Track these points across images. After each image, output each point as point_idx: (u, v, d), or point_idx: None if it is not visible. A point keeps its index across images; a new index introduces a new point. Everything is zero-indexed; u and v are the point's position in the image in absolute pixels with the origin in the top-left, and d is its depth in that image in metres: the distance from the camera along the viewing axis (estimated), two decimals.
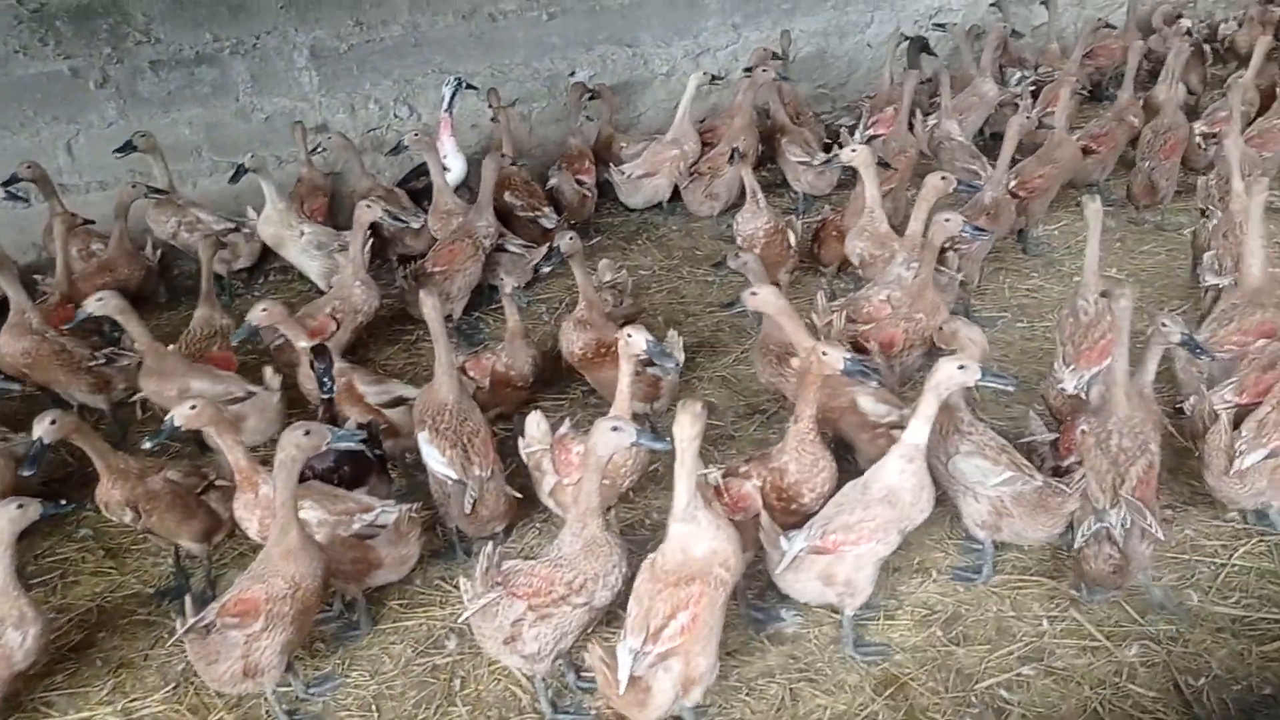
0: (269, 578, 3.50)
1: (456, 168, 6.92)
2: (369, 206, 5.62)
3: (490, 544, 3.61)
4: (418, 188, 6.95)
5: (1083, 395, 4.49)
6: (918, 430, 3.62)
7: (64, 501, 3.81)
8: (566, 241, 5.07)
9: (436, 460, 4.20)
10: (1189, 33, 8.53)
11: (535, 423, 4.27)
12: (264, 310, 4.70)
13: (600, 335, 4.91)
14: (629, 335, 3.96)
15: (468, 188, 6.99)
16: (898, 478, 3.61)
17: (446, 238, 6.16)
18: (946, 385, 3.65)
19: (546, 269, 5.34)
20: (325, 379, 4.31)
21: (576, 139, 7.21)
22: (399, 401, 4.74)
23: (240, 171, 6.09)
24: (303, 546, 3.52)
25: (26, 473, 3.98)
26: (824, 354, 3.78)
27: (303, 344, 4.66)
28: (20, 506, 3.57)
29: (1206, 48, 8.64)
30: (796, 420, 3.79)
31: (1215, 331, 4.74)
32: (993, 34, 7.90)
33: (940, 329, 4.37)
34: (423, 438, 4.27)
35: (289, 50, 6.97)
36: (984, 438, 3.96)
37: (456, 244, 6.05)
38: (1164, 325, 4.02)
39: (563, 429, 4.25)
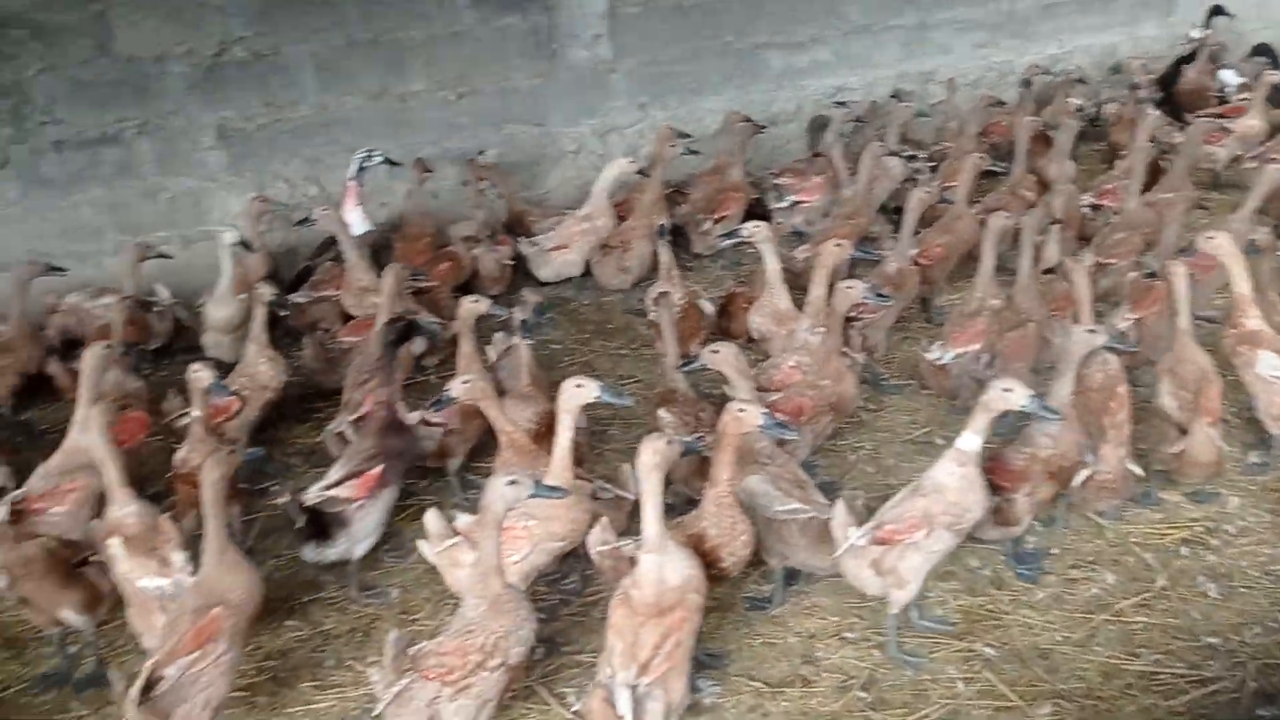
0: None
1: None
2: (263, 287, 5.58)
3: (395, 631, 3.52)
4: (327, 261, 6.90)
5: None
6: (969, 439, 3.89)
7: None
8: (531, 314, 5.24)
9: None
10: (1080, 110, 8.94)
11: (434, 519, 4.11)
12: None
13: (548, 407, 4.88)
14: (578, 384, 3.96)
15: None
16: (944, 476, 3.84)
17: (363, 316, 6.13)
18: (996, 404, 3.87)
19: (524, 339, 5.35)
20: None
21: (484, 212, 7.26)
22: None
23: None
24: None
25: None
26: (740, 411, 3.81)
27: None
28: None
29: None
30: (713, 484, 3.81)
31: None
32: (899, 113, 8.19)
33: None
34: None
35: (195, 131, 6.92)
36: (780, 469, 4.23)
37: (370, 322, 6.03)
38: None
39: (462, 520, 4.17)
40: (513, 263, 7.18)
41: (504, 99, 7.86)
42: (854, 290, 4.94)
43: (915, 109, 8.50)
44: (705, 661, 4.03)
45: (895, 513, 3.89)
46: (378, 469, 4.45)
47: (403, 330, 5.04)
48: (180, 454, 4.69)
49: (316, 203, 7.04)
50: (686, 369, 4.85)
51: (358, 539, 4.42)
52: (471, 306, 5.19)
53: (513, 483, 3.36)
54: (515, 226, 7.43)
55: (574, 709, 3.56)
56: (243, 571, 3.72)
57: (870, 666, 4.02)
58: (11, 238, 6.54)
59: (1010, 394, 3.87)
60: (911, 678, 3.96)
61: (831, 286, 5.15)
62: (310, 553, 4.43)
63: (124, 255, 6.20)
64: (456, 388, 4.46)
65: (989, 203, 7.28)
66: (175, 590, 3.87)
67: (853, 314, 5.35)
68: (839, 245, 5.40)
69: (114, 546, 3.91)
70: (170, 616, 3.63)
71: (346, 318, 6.39)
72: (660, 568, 3.44)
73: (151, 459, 5.16)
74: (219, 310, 6.01)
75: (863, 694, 3.90)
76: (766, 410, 3.86)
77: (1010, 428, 4.64)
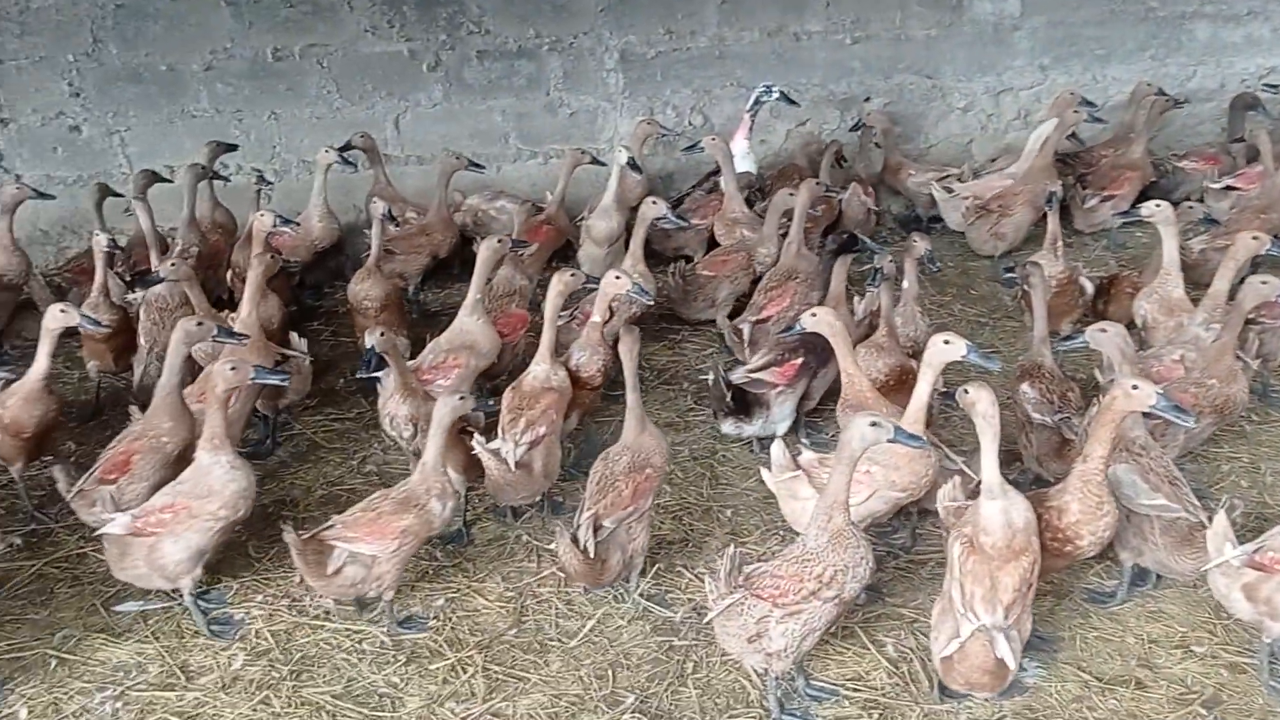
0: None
1: (746, 170, 7.03)
2: (654, 204, 5.83)
3: (732, 547, 3.68)
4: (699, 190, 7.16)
5: None
6: None
7: (491, 402, 4.44)
8: (888, 264, 5.17)
9: None
10: None
11: (778, 450, 4.27)
12: None
13: (901, 361, 4.93)
14: (947, 340, 3.99)
15: (760, 191, 7.12)
16: None
17: (727, 246, 6.32)
18: None
19: (873, 289, 5.40)
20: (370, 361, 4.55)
21: (862, 164, 7.23)
22: None
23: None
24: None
25: (362, 373, 4.59)
26: (1134, 388, 3.63)
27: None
28: (462, 398, 4.05)
29: None
30: (1085, 459, 3.67)
31: None
32: None
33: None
34: None
35: (601, 52, 7.33)
36: (1152, 462, 3.95)
37: (733, 255, 6.21)
38: None
39: (805, 455, 4.28)
40: (877, 212, 7.15)
41: (898, 47, 7.72)
42: (1268, 287, 4.52)
43: None
44: (1034, 643, 3.91)
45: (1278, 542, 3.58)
46: (799, 360, 4.95)
47: (845, 242, 5.33)
48: (577, 358, 4.99)
49: (701, 133, 7.28)
50: (1066, 347, 4.64)
51: (775, 421, 4.98)
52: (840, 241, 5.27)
53: (875, 424, 3.39)
54: (889, 177, 7.35)
55: (943, 654, 3.56)
56: (660, 440, 4.23)
57: (1216, 685, 3.75)
58: (431, 134, 7.27)
59: None
60: (1262, 708, 3.66)
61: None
62: (729, 427, 5.06)
63: (564, 160, 6.66)
64: (807, 318, 4.60)
65: None
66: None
67: (1254, 315, 4.90)
68: (1256, 238, 4.94)
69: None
70: (597, 476, 4.08)
71: (710, 247, 6.61)
72: (1006, 512, 3.49)
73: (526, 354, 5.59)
74: (601, 224, 6.36)
75: (1203, 711, 3.65)
76: (1162, 391, 3.63)
77: None
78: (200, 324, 4.47)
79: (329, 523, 3.97)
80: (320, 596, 4.14)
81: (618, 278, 4.95)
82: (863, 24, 7.62)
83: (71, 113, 6.80)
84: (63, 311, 4.63)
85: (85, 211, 6.46)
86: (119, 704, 3.77)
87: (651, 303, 5.47)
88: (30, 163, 6.81)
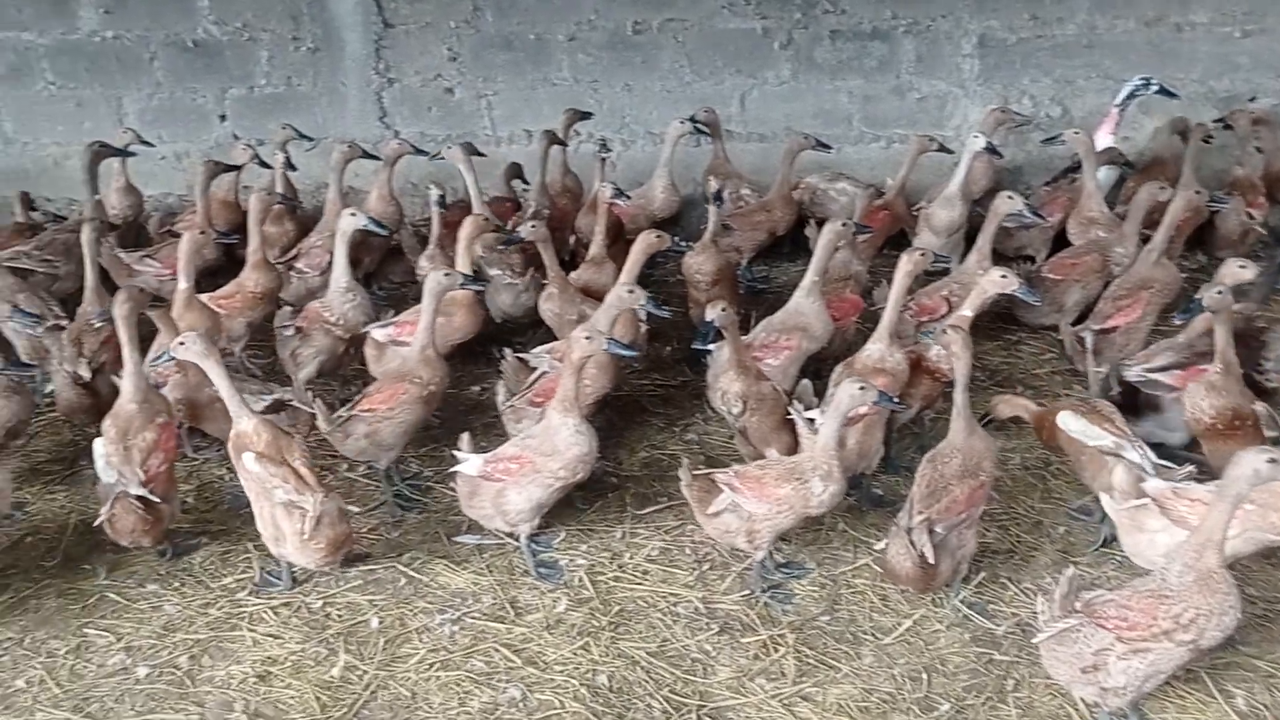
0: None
1: (1105, 171, 6.59)
2: (1010, 198, 5.57)
3: (1070, 568, 3.49)
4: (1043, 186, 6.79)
5: None
6: None
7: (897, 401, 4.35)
8: (1212, 295, 4.64)
9: None
10: None
11: (1123, 477, 3.96)
12: None
13: (1236, 404, 4.39)
14: None
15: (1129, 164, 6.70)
16: None
17: (1077, 247, 5.95)
18: None
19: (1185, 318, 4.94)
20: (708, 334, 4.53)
21: (1245, 168, 6.59)
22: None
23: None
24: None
25: (698, 345, 4.64)
26: None
27: None
28: (862, 388, 3.95)
29: None
30: None
31: None
32: None
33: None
34: None
35: (958, 35, 7.08)
36: None
37: (1084, 257, 5.83)
38: None
39: (1152, 484, 3.92)
40: (1262, 228, 6.48)
41: None
42: None
43: None
44: None
45: None
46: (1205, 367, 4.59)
47: None
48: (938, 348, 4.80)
49: (1059, 125, 6.89)
50: None
51: (1168, 428, 4.69)
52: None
53: (1273, 460, 3.07)
54: (1272, 187, 6.66)
55: None
56: (990, 443, 4.03)
57: None
58: (775, 113, 7.31)
59: None
60: None
61: None
62: None
63: (910, 145, 6.50)
64: None
65: None
66: None
67: None
68: None
69: None
70: (925, 478, 3.91)
71: (1057, 247, 6.24)
72: None
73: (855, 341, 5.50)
74: (944, 212, 6.14)
75: None
76: None
77: None
78: (631, 291, 4.72)
79: (726, 468, 4.15)
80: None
81: (1004, 276, 4.71)
82: (1257, 16, 6.96)
83: (448, 75, 7.32)
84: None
85: (451, 168, 6.95)
86: (455, 627, 4.06)
87: (1038, 304, 5.24)
88: (408, 120, 7.39)
